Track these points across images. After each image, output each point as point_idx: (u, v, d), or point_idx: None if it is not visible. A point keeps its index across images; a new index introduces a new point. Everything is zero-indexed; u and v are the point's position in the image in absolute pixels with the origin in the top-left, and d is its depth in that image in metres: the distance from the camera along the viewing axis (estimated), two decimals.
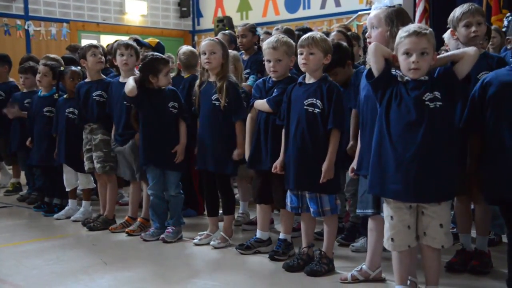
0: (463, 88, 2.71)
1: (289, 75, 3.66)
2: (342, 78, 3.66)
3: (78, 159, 4.76)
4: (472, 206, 3.61)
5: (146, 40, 5.69)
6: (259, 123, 3.67)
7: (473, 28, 3.19)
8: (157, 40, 5.40)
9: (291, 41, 3.62)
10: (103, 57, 4.68)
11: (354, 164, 3.17)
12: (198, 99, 4.02)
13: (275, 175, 3.50)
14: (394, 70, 2.74)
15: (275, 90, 3.59)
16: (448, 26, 3.39)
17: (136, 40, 5.43)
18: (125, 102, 4.32)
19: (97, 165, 4.58)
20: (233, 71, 4.36)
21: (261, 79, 3.84)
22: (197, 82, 4.06)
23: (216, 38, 4.10)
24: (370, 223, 3.09)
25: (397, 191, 2.64)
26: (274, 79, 3.64)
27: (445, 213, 2.68)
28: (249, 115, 3.78)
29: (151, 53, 4.42)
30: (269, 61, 3.57)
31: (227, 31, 5.72)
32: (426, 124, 2.57)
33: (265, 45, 3.61)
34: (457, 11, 3.25)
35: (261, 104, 3.62)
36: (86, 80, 4.72)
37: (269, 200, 3.72)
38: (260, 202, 3.77)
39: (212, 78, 3.97)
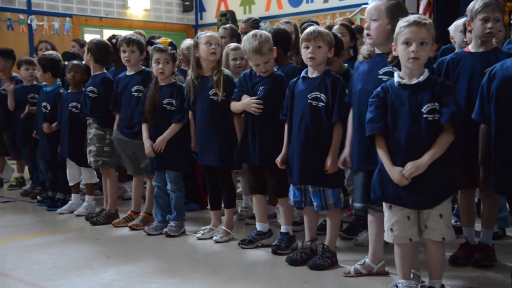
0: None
1: (275, 70, 3.65)
2: (335, 69, 3.64)
3: (81, 153, 4.77)
4: (476, 200, 3.60)
5: (158, 40, 5.69)
6: (247, 118, 3.66)
7: (489, 24, 3.12)
8: (170, 40, 5.39)
9: (268, 34, 3.63)
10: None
11: (345, 154, 3.14)
12: (193, 93, 3.97)
13: (266, 168, 3.50)
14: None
15: (260, 88, 3.59)
16: (466, 15, 3.31)
17: (148, 41, 5.43)
18: (134, 94, 4.34)
19: (90, 159, 4.61)
20: (244, 66, 4.40)
21: (248, 71, 3.80)
22: (191, 76, 3.99)
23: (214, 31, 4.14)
24: (370, 216, 3.09)
25: (396, 198, 2.67)
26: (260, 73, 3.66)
27: (444, 204, 2.67)
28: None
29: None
30: (257, 65, 3.58)
31: (228, 25, 5.70)
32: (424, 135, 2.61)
33: (247, 49, 3.58)
34: (478, 3, 3.17)
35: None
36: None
37: (262, 190, 3.72)
38: (254, 192, 3.78)
39: (206, 73, 3.95)
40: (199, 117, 3.97)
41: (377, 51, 3.00)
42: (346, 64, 3.87)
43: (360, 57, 3.10)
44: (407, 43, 2.63)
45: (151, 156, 4.13)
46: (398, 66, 2.83)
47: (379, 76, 2.91)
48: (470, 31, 3.30)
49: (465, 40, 3.72)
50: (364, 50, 3.05)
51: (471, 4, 3.22)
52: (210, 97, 3.88)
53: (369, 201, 2.93)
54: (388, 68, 2.89)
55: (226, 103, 3.84)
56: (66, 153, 4.90)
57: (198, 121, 3.98)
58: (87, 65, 4.82)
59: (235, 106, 3.70)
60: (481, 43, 3.21)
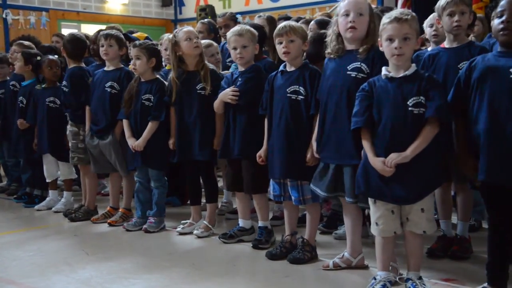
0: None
1: (253, 63, 3.67)
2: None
3: (62, 149, 4.72)
4: (453, 193, 3.65)
5: (134, 35, 5.64)
6: (228, 112, 3.66)
7: (455, 18, 3.17)
8: (146, 35, 5.34)
9: (254, 30, 3.68)
10: None
11: (313, 151, 3.18)
12: (175, 90, 3.92)
13: (245, 162, 3.52)
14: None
15: (239, 79, 3.61)
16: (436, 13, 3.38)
17: (125, 35, 5.38)
18: (107, 89, 4.30)
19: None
20: (220, 61, 4.45)
21: (229, 73, 3.85)
22: (173, 73, 3.95)
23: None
24: (344, 210, 3.12)
25: (380, 193, 2.71)
26: (240, 68, 3.67)
27: (426, 199, 2.70)
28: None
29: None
30: (235, 48, 3.59)
31: (206, 20, 5.68)
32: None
33: (229, 34, 3.64)
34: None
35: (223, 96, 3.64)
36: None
37: (241, 187, 3.72)
38: (233, 189, 3.78)
39: (191, 68, 3.93)
40: (187, 113, 3.92)
41: (348, 47, 3.02)
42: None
43: (327, 56, 3.12)
44: (390, 39, 2.67)
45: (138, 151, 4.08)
46: (366, 62, 2.90)
47: (348, 72, 2.96)
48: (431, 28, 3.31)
49: (433, 34, 3.77)
50: (333, 46, 3.05)
51: (438, 2, 3.28)
52: (198, 91, 3.87)
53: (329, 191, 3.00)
54: (356, 64, 2.95)
55: (213, 97, 3.83)
56: (47, 149, 4.84)
57: (186, 117, 3.93)
58: (62, 60, 4.78)
59: (215, 104, 3.70)
60: (454, 38, 3.25)
